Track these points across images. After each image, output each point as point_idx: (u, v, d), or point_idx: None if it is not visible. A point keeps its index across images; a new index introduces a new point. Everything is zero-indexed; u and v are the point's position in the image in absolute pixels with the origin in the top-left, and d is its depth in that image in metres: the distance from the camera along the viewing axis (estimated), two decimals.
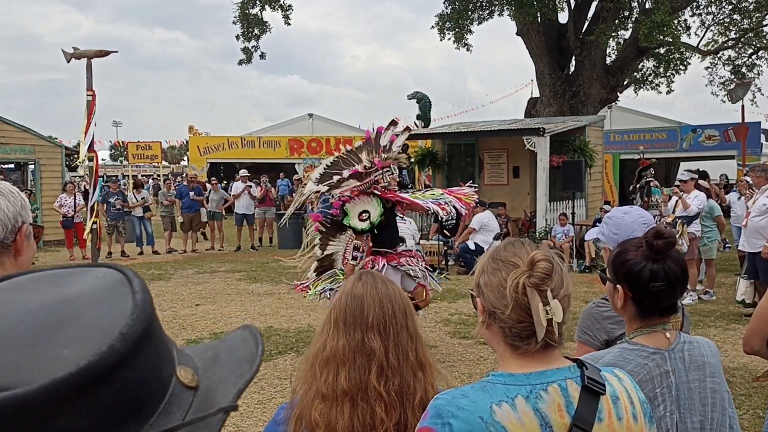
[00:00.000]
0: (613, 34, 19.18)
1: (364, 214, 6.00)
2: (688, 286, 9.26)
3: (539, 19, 18.98)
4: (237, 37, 21.53)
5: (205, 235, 17.28)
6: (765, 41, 20.60)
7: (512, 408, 1.31)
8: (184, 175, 26.92)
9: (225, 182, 22.80)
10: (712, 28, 21.18)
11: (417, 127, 18.08)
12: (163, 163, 37.32)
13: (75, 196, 15.17)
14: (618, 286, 1.90)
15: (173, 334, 7.95)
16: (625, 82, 20.83)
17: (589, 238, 2.90)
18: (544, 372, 1.37)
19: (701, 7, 20.78)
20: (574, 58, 19.84)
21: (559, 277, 1.39)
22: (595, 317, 2.47)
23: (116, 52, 7.11)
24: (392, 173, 6.35)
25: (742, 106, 16.32)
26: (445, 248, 13.09)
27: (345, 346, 1.76)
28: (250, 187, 16.35)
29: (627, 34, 20.14)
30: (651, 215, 2.43)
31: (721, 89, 22.05)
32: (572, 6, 19.53)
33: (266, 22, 21.56)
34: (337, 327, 1.80)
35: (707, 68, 22.24)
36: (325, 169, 6.58)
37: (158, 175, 32.45)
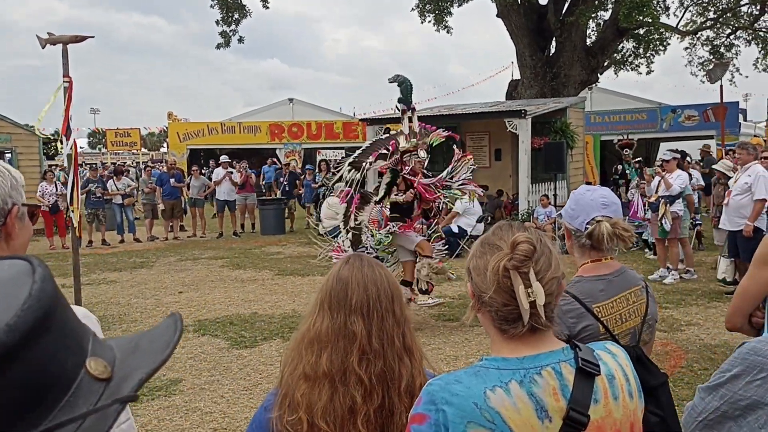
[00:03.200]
0: (592, 15, 19.20)
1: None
2: (669, 265, 9.42)
3: (519, 0, 18.94)
4: (217, 22, 21.30)
5: (183, 226, 17.16)
6: (743, 21, 20.72)
7: (506, 393, 1.30)
8: (163, 162, 26.66)
9: (204, 169, 22.60)
10: (691, 8, 21.26)
11: (398, 110, 18.04)
12: (143, 150, 36.97)
13: (56, 185, 14.99)
14: None
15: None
16: (606, 64, 20.88)
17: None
18: (537, 355, 1.35)
19: None
20: (554, 39, 19.84)
21: (546, 259, 1.37)
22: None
23: (92, 37, 6.96)
24: (419, 158, 7.35)
25: (721, 86, 16.40)
26: (429, 232, 13.09)
27: (328, 328, 1.74)
28: (231, 173, 16.23)
29: (607, 15, 20.18)
30: (616, 198, 2.30)
31: (700, 69, 22.20)
32: None
33: (245, 6, 21.34)
34: (323, 309, 1.79)
35: (686, 49, 22.38)
36: (357, 155, 7.60)
37: (137, 162, 32.12)
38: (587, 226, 2.20)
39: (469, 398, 1.29)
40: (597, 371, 1.35)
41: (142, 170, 23.01)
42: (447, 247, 12.33)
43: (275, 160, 20.02)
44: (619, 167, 14.35)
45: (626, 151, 13.58)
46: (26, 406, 0.64)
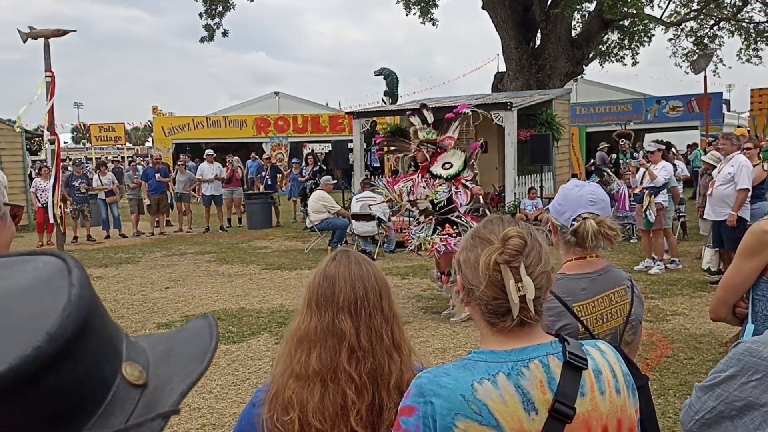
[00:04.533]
0: (577, 6, 19.24)
1: (446, 165, 7.50)
2: (655, 255, 9.48)
3: None
4: (200, 14, 21.14)
5: (169, 221, 17.08)
6: (726, 12, 20.84)
7: (494, 385, 1.30)
8: (149, 157, 26.49)
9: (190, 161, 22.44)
10: None
11: (384, 103, 18.02)
12: (127, 144, 36.70)
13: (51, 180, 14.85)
14: None
15: (143, 317, 7.86)
16: (591, 55, 20.95)
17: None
18: (525, 348, 1.36)
19: None
20: (539, 31, 19.86)
21: (537, 253, 1.38)
22: None
23: (74, 31, 6.90)
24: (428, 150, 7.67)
25: (705, 77, 16.53)
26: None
27: (317, 326, 1.74)
28: (219, 175, 16.11)
29: (591, 6, 20.23)
30: (605, 194, 2.26)
31: (684, 60, 22.34)
32: None
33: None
34: (311, 307, 1.78)
35: (670, 40, 22.54)
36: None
37: (122, 158, 31.87)
38: (573, 222, 2.16)
39: (457, 390, 1.30)
40: (584, 365, 1.36)
41: (128, 165, 22.85)
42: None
43: (255, 155, 19.93)
44: (614, 156, 14.44)
45: (623, 141, 13.68)
46: (63, 417, 0.62)
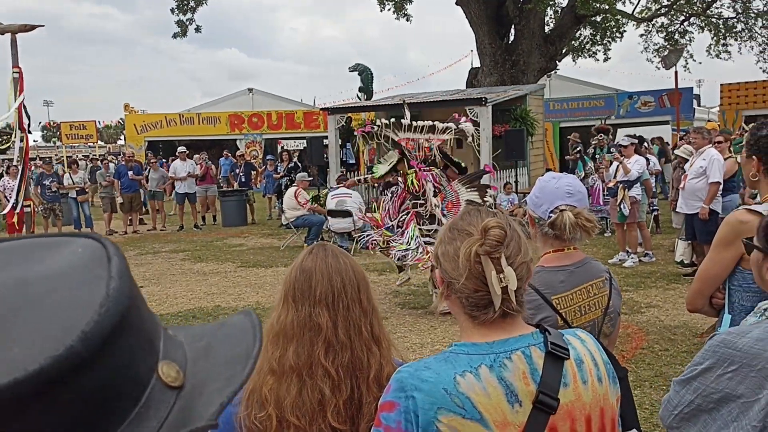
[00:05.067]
0: (550, 2, 19.34)
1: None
2: (629, 249, 9.58)
3: None
4: (172, 10, 20.89)
5: (142, 220, 16.87)
6: (696, 8, 21.10)
7: (476, 378, 1.29)
8: (121, 155, 26.14)
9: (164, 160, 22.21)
10: None
11: (359, 99, 17.99)
12: (99, 142, 36.19)
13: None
14: None
15: None
16: (564, 51, 21.09)
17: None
18: (507, 340, 1.35)
19: None
20: (513, 27, 19.93)
21: (516, 243, 1.37)
22: None
23: (42, 26, 6.77)
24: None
25: (675, 72, 16.71)
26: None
27: (293, 320, 1.72)
28: (192, 173, 15.93)
29: (564, 2, 20.37)
30: (581, 186, 2.26)
31: (655, 56, 22.59)
32: None
33: None
34: (287, 301, 1.76)
35: (642, 35, 22.76)
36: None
37: (94, 156, 31.44)
38: (550, 214, 2.15)
39: (439, 384, 1.28)
40: (566, 355, 1.35)
41: (100, 164, 22.52)
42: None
43: (228, 152, 19.75)
44: (590, 151, 14.54)
45: (601, 136, 13.79)
46: (94, 419, 0.58)
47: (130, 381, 0.61)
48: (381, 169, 7.64)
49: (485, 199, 7.57)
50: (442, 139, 7.60)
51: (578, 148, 13.40)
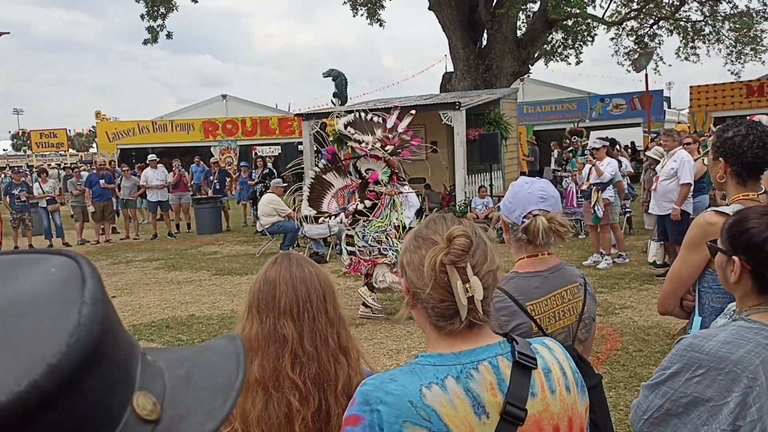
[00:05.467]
0: (522, 6, 19.46)
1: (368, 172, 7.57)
2: (602, 250, 9.65)
3: None
4: (142, 16, 20.67)
5: (115, 229, 16.65)
6: (664, 11, 21.39)
7: (443, 389, 1.26)
8: (93, 163, 25.81)
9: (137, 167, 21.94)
10: None
11: (334, 104, 17.93)
12: (71, 150, 35.73)
13: None
14: (734, 258, 1.72)
15: None
16: (536, 55, 21.22)
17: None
18: (473, 350, 1.32)
19: None
20: (486, 31, 20.03)
21: (482, 252, 1.34)
22: None
23: (8, 33, 6.64)
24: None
25: (646, 75, 16.96)
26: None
27: (258, 333, 1.69)
28: (166, 180, 15.77)
29: (536, 6, 20.49)
30: (555, 190, 2.24)
31: (625, 59, 22.82)
32: None
33: (172, 0, 20.78)
34: (251, 313, 1.73)
35: (612, 39, 22.96)
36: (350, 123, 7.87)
37: (65, 164, 31.03)
38: (524, 219, 2.13)
39: (405, 396, 1.25)
40: (534, 364, 1.33)
41: (69, 171, 22.20)
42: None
43: (200, 159, 19.55)
44: (568, 153, 14.67)
45: (575, 139, 13.92)
46: None
47: (101, 416, 0.56)
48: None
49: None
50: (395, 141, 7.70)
51: (570, 148, 13.52)
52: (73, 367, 0.52)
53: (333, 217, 7.69)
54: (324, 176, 8.03)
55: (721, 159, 2.49)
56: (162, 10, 20.62)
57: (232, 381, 0.65)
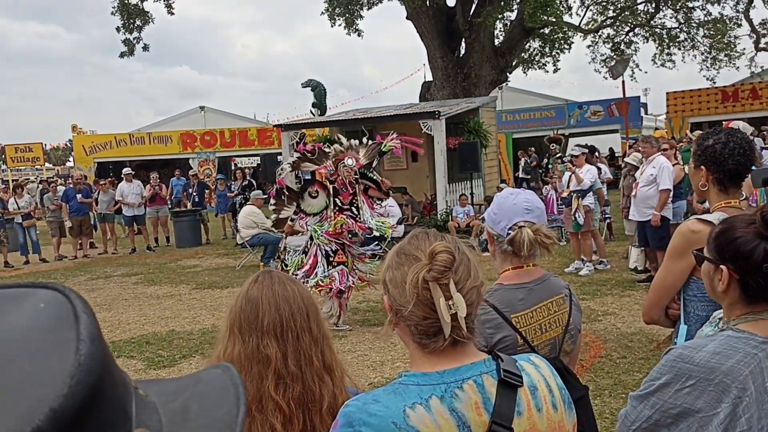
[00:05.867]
0: (499, 15, 19.61)
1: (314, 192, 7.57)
2: (584, 257, 9.68)
3: (428, 2, 19.15)
4: (118, 29, 20.52)
5: (92, 243, 16.43)
6: (640, 19, 21.65)
7: (427, 410, 1.23)
8: (70, 177, 25.50)
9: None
10: (592, 7, 22.05)
11: (313, 115, 17.92)
12: (47, 165, 35.34)
13: None
14: (722, 266, 1.70)
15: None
16: (514, 63, 21.38)
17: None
18: (458, 369, 1.29)
19: None
20: (464, 40, 20.15)
21: (465, 268, 1.31)
22: None
23: None
24: (345, 165, 7.49)
25: (623, 82, 17.08)
26: (350, 236, 13.01)
27: (240, 353, 1.64)
28: (142, 194, 15.60)
29: (513, 15, 20.66)
30: (540, 201, 2.22)
31: (602, 66, 23.04)
32: None
33: (148, 12, 20.67)
34: (233, 333, 1.68)
35: (589, 46, 23.17)
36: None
37: (42, 179, 30.68)
38: (509, 231, 2.11)
39: (388, 418, 1.21)
40: (519, 382, 1.30)
41: (45, 186, 21.93)
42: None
43: (180, 172, 19.40)
44: (544, 161, 14.77)
45: (554, 146, 14.00)
46: None
47: None
48: (315, 207, 7.59)
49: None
50: (361, 163, 7.61)
51: (558, 155, 13.63)
52: (76, 409, 0.49)
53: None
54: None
55: (702, 167, 2.49)
56: (138, 22, 20.51)
57: (233, 415, 0.62)
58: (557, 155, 13.60)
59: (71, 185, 16.44)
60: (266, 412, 1.59)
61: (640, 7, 21.58)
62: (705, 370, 1.61)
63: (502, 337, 2.01)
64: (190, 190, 17.35)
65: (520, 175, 21.59)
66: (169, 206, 17.02)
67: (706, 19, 20.68)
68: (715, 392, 1.59)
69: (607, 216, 11.97)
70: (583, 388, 2.09)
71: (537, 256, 2.15)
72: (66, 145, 36.29)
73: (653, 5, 20.87)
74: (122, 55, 21.03)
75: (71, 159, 36.88)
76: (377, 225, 7.66)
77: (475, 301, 1.32)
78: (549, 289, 2.16)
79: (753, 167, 2.64)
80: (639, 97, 26.65)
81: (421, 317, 1.28)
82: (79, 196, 15.23)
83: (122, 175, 16.07)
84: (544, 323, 2.11)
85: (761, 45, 20.41)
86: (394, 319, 1.35)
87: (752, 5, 20.08)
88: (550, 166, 14.24)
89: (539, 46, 22.59)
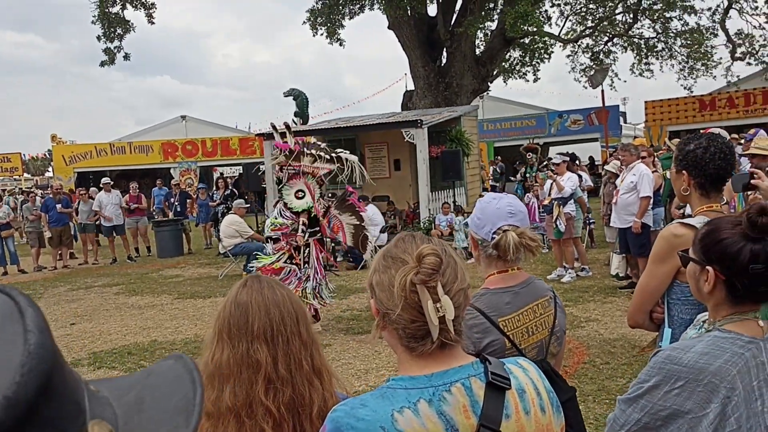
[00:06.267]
0: (480, 25, 19.76)
1: (299, 193, 7.38)
2: (566, 264, 9.74)
3: (409, 12, 19.24)
4: (98, 38, 20.39)
5: (73, 254, 16.25)
6: (618, 29, 21.91)
7: (415, 414, 1.23)
8: (49, 187, 25.23)
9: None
10: (571, 17, 22.30)
11: (296, 124, 17.89)
12: (25, 175, 34.94)
13: None
14: (708, 267, 1.71)
15: None
16: (495, 72, 21.52)
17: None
18: (446, 372, 1.29)
19: None
20: (445, 50, 20.27)
21: (453, 270, 1.32)
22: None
23: None
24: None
25: (602, 91, 17.25)
26: (333, 244, 13.00)
27: (229, 358, 1.63)
28: (120, 204, 15.47)
29: (494, 25, 20.82)
30: (522, 205, 2.24)
31: (582, 75, 23.27)
32: None
33: (129, 21, 20.57)
34: (221, 339, 1.66)
35: (569, 56, 23.39)
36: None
37: (20, 189, 30.31)
38: (494, 235, 2.11)
39: (376, 422, 1.21)
40: (507, 385, 1.30)
41: (25, 196, 21.67)
42: (353, 260, 12.36)
43: (161, 182, 19.24)
44: (522, 170, 14.87)
45: (530, 155, 14.10)
46: None
47: None
48: (298, 206, 7.45)
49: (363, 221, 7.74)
50: (328, 168, 7.58)
51: (534, 164, 13.78)
52: (29, 397, 0.49)
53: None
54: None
55: (684, 172, 2.52)
56: (119, 31, 20.39)
57: (190, 398, 0.62)
58: (534, 164, 13.71)
59: (50, 195, 16.26)
60: (256, 417, 1.58)
61: (619, 17, 21.85)
62: (694, 371, 1.62)
63: (490, 341, 2.01)
64: (172, 200, 17.24)
65: (490, 183, 21.72)
66: (153, 216, 16.89)
67: (683, 29, 20.97)
68: (704, 393, 1.60)
69: (591, 222, 12.06)
70: (571, 389, 2.10)
71: (521, 260, 2.17)
72: (45, 155, 35.93)
73: (631, 16, 21.15)
74: (102, 63, 20.89)
75: (50, 169, 36.51)
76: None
77: (463, 304, 1.33)
78: (534, 292, 2.18)
79: (733, 173, 2.68)
80: (618, 106, 26.95)
81: (408, 320, 1.28)
82: (58, 206, 15.07)
83: (101, 185, 15.92)
84: (531, 326, 2.12)
85: (737, 55, 20.71)
86: (382, 322, 1.35)
87: (728, 16, 20.41)
88: (527, 174, 14.34)
89: (520, 55, 22.79)
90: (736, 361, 1.62)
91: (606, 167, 10.91)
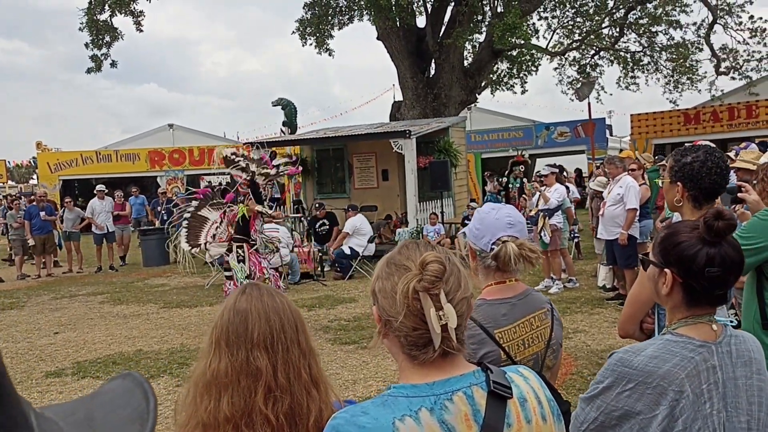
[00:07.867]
0: (469, 37, 19.87)
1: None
2: (553, 275, 9.77)
3: (398, 23, 19.33)
4: (86, 45, 20.29)
5: (57, 262, 16.08)
6: (605, 42, 22.13)
7: (416, 422, 1.22)
8: (33, 195, 24.99)
9: (81, 199, 21.36)
10: (558, 30, 22.50)
11: (284, 133, 17.87)
12: (9, 182, 34.62)
13: None
14: (666, 270, 1.73)
15: (29, 366, 7.29)
16: (483, 84, 21.63)
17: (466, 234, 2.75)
18: (447, 380, 1.28)
19: (547, 10, 22.05)
20: (433, 61, 20.35)
21: (456, 278, 1.31)
22: None
23: None
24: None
25: (589, 104, 17.40)
26: (321, 254, 12.98)
27: (228, 367, 1.60)
28: (111, 213, 15.38)
29: (482, 37, 20.95)
30: (521, 216, 2.22)
31: (569, 88, 23.44)
32: (429, 10, 20.05)
33: (117, 29, 20.48)
34: (219, 347, 1.64)
35: (556, 69, 23.60)
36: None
37: (4, 196, 30.00)
38: (493, 246, 2.10)
39: (377, 430, 1.20)
40: (509, 394, 1.30)
41: (9, 204, 21.45)
42: (340, 269, 12.34)
43: (137, 190, 19.07)
44: (503, 180, 14.93)
45: (517, 168, 14.17)
46: None
47: None
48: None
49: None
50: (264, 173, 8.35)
51: (523, 177, 13.86)
52: None
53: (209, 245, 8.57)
54: (199, 212, 8.93)
55: (678, 183, 2.54)
56: (107, 38, 20.30)
57: (142, 409, 0.62)
58: (520, 176, 13.78)
59: (34, 203, 16.11)
60: (255, 427, 1.56)
61: (605, 31, 22.08)
62: (643, 373, 1.66)
63: (485, 353, 2.00)
64: (159, 209, 17.13)
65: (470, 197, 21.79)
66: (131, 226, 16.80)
67: (668, 43, 21.22)
68: (653, 395, 1.65)
69: (575, 235, 12.11)
70: (565, 403, 2.10)
71: (519, 271, 2.16)
72: (30, 162, 35.63)
73: (618, 29, 21.37)
74: (89, 70, 20.75)
75: (35, 176, 36.20)
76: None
77: (466, 312, 1.32)
78: (531, 304, 2.16)
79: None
80: (604, 118, 27.15)
81: (411, 328, 1.28)
82: (42, 213, 14.93)
83: (94, 192, 15.82)
84: (527, 338, 2.11)
85: (721, 69, 20.95)
86: (384, 330, 1.34)
87: (713, 31, 20.66)
88: (510, 186, 14.44)
89: (507, 67, 22.93)
90: (685, 365, 1.66)
91: (591, 185, 10.97)
